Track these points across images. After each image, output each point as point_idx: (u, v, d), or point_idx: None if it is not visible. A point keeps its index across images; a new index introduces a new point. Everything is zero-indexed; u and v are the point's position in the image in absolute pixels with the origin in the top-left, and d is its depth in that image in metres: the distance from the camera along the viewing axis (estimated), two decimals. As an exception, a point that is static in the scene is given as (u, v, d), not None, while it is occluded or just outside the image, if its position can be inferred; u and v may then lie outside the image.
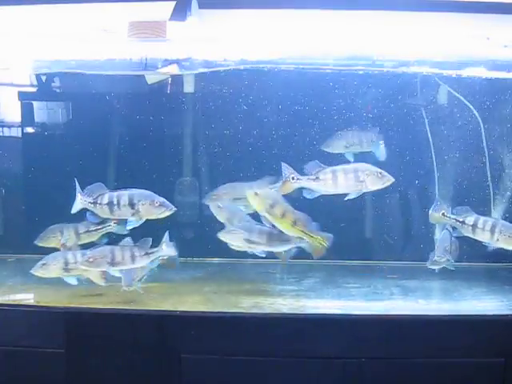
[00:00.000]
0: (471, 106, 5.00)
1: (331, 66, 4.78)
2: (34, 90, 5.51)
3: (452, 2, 4.01)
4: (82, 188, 4.11)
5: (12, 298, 4.25)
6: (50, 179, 5.20)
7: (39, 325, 3.89)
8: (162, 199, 4.06)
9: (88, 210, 4.15)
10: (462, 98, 5.00)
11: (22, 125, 5.53)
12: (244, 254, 5.04)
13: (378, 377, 3.77)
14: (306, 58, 4.77)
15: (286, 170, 3.95)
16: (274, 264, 4.94)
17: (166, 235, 4.07)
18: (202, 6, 3.98)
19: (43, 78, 5.45)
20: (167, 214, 4.06)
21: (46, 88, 5.48)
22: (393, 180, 4.00)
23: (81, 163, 5.17)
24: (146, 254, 4.04)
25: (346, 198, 4.00)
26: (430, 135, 5.11)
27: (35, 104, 5.52)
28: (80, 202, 4.08)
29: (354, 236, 5.25)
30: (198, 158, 5.35)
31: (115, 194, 4.05)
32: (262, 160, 5.03)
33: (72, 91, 5.49)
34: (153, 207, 4.02)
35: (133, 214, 4.05)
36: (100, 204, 4.04)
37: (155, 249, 4.06)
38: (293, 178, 3.95)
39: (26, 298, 4.28)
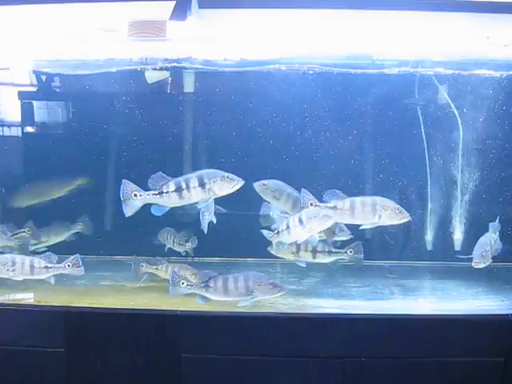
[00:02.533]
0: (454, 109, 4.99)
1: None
2: (34, 89, 5.50)
3: (452, 1, 4.00)
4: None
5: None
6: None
7: (39, 324, 3.90)
8: (230, 174, 3.98)
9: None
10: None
11: (22, 123, 5.53)
12: (244, 254, 5.08)
13: (377, 376, 3.78)
14: (305, 57, 4.77)
15: (306, 196, 4.01)
16: (274, 264, 4.94)
17: (76, 256, 4.18)
18: (202, 5, 3.98)
19: (43, 78, 5.45)
20: (238, 187, 3.98)
21: (46, 87, 5.47)
22: (409, 218, 4.02)
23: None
24: (46, 267, 4.17)
25: (360, 228, 4.07)
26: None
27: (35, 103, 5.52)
28: (140, 199, 3.95)
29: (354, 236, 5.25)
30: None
31: (181, 178, 3.97)
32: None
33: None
34: (225, 182, 3.94)
35: (205, 194, 3.97)
36: (167, 193, 3.95)
37: (57, 265, 4.18)
38: (311, 205, 4.01)
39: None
